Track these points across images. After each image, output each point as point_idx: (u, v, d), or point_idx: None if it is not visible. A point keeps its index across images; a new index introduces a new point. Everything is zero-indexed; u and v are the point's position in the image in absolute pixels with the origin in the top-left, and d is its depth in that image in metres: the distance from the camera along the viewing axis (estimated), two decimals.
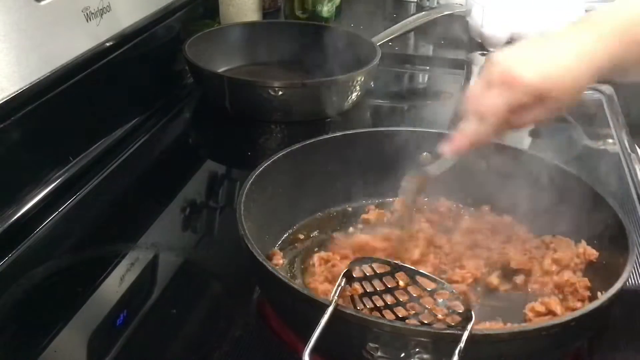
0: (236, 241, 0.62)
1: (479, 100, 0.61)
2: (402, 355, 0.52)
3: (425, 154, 0.80)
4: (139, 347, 0.62)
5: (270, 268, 0.58)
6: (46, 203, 0.83)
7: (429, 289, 0.54)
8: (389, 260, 0.56)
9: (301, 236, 0.76)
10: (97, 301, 0.68)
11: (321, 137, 0.80)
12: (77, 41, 0.89)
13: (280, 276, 0.57)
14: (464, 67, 1.31)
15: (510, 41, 1.36)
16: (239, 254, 0.62)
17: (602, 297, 0.56)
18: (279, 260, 0.71)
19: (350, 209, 0.81)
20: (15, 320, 0.66)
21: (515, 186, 0.75)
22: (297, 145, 0.78)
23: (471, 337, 0.50)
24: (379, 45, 1.17)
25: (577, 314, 0.55)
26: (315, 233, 0.77)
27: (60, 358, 0.62)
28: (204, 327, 0.66)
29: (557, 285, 0.68)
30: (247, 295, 0.69)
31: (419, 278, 0.54)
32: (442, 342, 0.51)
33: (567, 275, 0.67)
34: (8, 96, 0.76)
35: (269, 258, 0.71)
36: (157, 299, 0.69)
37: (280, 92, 1.02)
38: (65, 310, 0.66)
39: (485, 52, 0.89)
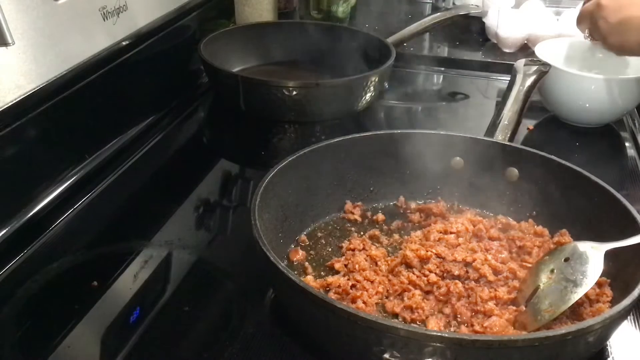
0: (249, 240, 0.63)
1: None
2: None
3: (457, 158, 0.80)
4: (152, 344, 0.63)
5: (281, 268, 0.58)
6: (62, 200, 0.83)
7: None
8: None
9: (316, 237, 0.76)
10: (110, 298, 0.69)
11: (336, 139, 0.80)
12: (93, 40, 0.90)
13: (292, 277, 0.57)
14: (481, 69, 1.31)
15: (525, 43, 1.35)
16: (251, 253, 0.63)
17: (603, 315, 0.55)
18: (294, 259, 0.72)
19: (366, 210, 0.82)
20: (30, 315, 0.67)
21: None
22: (312, 147, 0.78)
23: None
24: (394, 45, 1.17)
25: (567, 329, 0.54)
26: (332, 234, 0.77)
27: (73, 354, 0.62)
28: (216, 325, 0.66)
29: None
30: (260, 294, 0.69)
31: None
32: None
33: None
34: (25, 94, 0.77)
35: (284, 257, 0.71)
36: (170, 297, 0.70)
37: (294, 92, 1.02)
38: (79, 306, 0.67)
39: (532, 60, 0.89)
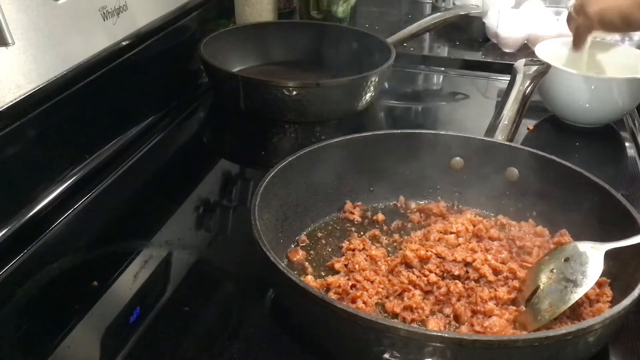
0: (249, 240, 0.63)
1: None
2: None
3: (457, 158, 0.81)
4: (152, 344, 0.63)
5: (281, 268, 0.58)
6: (61, 200, 0.83)
7: None
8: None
9: (316, 237, 0.76)
10: (110, 298, 0.68)
11: (336, 139, 0.80)
12: (93, 40, 0.90)
13: (292, 277, 0.57)
14: (481, 69, 1.31)
15: (525, 43, 1.35)
16: (251, 253, 0.63)
17: (600, 317, 0.55)
18: (294, 259, 0.72)
19: (366, 210, 0.81)
20: (29, 315, 0.67)
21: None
22: (312, 147, 0.77)
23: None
24: (394, 45, 1.17)
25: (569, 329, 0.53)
26: (332, 234, 0.77)
27: (73, 354, 0.62)
28: (216, 325, 0.66)
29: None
30: (259, 294, 0.69)
31: None
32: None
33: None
34: (25, 94, 0.77)
35: (284, 257, 0.71)
36: (170, 297, 0.69)
37: (294, 92, 1.02)
38: (79, 306, 0.67)
39: (532, 60, 0.89)
